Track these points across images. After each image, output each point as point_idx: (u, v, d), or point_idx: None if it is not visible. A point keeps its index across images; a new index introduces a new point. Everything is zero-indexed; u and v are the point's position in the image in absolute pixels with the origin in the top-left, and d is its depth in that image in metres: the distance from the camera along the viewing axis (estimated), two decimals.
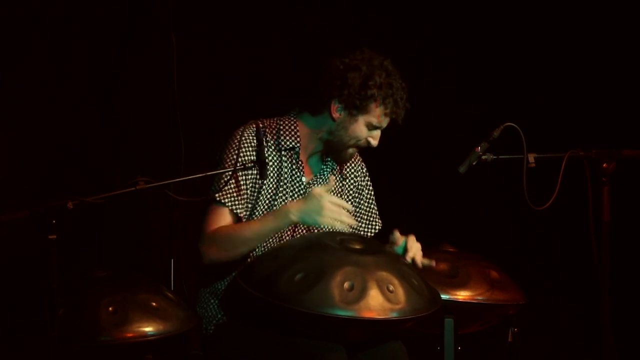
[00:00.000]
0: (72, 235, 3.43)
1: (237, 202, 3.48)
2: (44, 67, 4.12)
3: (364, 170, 3.76)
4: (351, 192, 3.71)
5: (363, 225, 3.76)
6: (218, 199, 3.47)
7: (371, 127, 3.52)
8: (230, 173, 3.43)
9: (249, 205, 3.51)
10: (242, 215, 3.49)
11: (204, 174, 3.43)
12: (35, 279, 3.71)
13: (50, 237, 2.95)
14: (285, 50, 4.73)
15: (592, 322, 3.79)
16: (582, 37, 4.89)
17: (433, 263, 3.53)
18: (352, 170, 3.72)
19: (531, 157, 3.57)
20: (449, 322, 3.81)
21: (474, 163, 3.58)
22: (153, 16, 4.32)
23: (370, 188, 3.77)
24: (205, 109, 4.52)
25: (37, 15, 4.07)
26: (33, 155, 4.08)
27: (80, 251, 4.08)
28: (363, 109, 3.49)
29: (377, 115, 3.50)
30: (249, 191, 3.51)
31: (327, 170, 3.64)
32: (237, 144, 3.49)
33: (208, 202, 3.50)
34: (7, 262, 3.97)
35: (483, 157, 3.58)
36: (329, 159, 3.64)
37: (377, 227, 3.78)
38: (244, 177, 3.49)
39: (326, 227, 3.40)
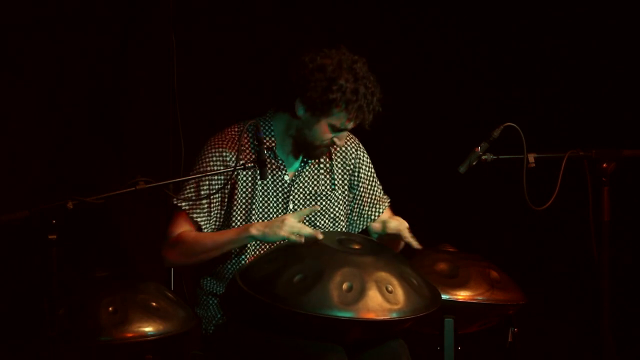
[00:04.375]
0: (72, 235, 3.43)
1: (194, 207, 3.47)
2: (44, 67, 4.12)
3: (358, 152, 3.69)
4: (344, 175, 3.68)
5: (367, 208, 3.71)
6: (177, 203, 3.47)
7: (335, 129, 3.48)
8: (195, 179, 3.45)
9: (212, 213, 3.50)
10: (199, 221, 3.48)
11: (204, 174, 3.44)
12: (35, 279, 3.71)
13: (50, 237, 2.95)
14: (285, 51, 4.73)
15: (592, 322, 3.79)
16: (582, 37, 4.89)
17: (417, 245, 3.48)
18: (344, 154, 3.67)
19: (531, 157, 3.57)
20: (449, 322, 3.81)
21: (474, 163, 3.58)
22: (153, 16, 4.32)
23: (369, 166, 3.71)
24: (205, 109, 4.52)
25: (37, 15, 4.07)
26: (33, 155, 4.08)
27: (80, 251, 4.08)
28: (325, 112, 3.44)
29: (340, 119, 3.45)
30: (213, 197, 3.49)
31: (309, 164, 3.61)
32: (215, 150, 3.48)
33: (171, 207, 3.50)
34: (7, 262, 3.97)
35: (483, 157, 3.58)
36: None
37: (383, 208, 3.72)
38: (207, 184, 3.48)
39: (285, 240, 3.34)
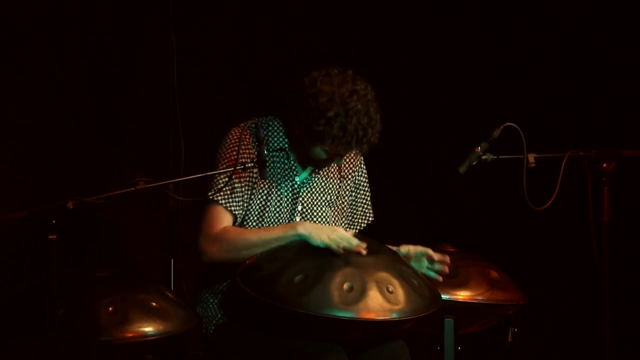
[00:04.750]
0: (72, 235, 3.43)
1: (231, 200, 3.48)
2: (44, 67, 4.12)
3: (362, 165, 3.74)
4: (349, 186, 3.71)
5: (357, 217, 3.75)
6: (212, 197, 3.47)
7: (329, 153, 3.47)
8: (226, 172, 3.43)
9: (245, 204, 3.51)
10: (237, 213, 3.49)
11: (204, 174, 3.44)
12: (35, 279, 3.71)
13: (50, 237, 2.95)
14: (286, 51, 4.73)
15: (592, 322, 3.79)
16: (582, 37, 4.89)
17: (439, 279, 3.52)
18: (350, 165, 3.71)
19: (531, 157, 3.57)
20: (449, 322, 3.81)
21: (474, 163, 3.58)
22: (153, 16, 4.32)
23: (367, 181, 3.75)
24: (205, 109, 4.52)
25: (37, 15, 4.07)
26: (33, 155, 4.08)
27: (80, 251, 4.08)
28: (315, 140, 3.43)
29: (329, 147, 3.43)
30: (244, 189, 3.50)
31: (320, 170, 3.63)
32: (236, 143, 3.49)
33: (205, 202, 3.49)
34: (7, 262, 3.97)
35: (483, 157, 3.58)
36: None
37: (369, 220, 3.77)
38: (238, 176, 3.48)
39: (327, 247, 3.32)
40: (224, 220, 3.48)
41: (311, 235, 3.33)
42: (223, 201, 3.47)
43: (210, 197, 3.47)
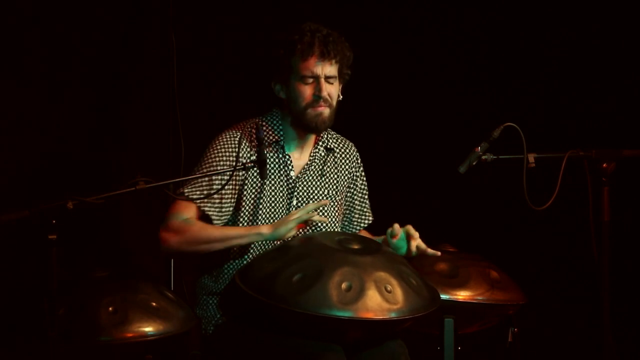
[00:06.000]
0: (72, 235, 3.43)
1: (207, 202, 3.47)
2: (44, 66, 4.12)
3: (358, 161, 3.75)
4: (345, 182, 3.70)
5: (356, 216, 3.76)
6: (187, 194, 3.46)
7: (306, 79, 3.47)
8: (206, 174, 3.44)
9: (223, 207, 3.50)
10: (212, 215, 3.48)
11: (204, 174, 3.44)
12: (35, 279, 3.71)
13: (50, 237, 2.95)
14: None
15: (592, 322, 3.79)
16: (582, 37, 4.89)
17: (438, 253, 3.53)
18: (346, 161, 3.71)
19: (531, 157, 3.57)
20: (449, 322, 3.81)
21: (474, 163, 3.58)
22: (153, 16, 4.32)
23: (364, 180, 3.77)
24: (205, 109, 4.52)
25: (37, 15, 4.08)
26: (33, 155, 4.08)
27: (80, 251, 4.08)
28: (287, 70, 3.47)
29: (300, 66, 3.46)
30: (226, 192, 3.49)
31: (315, 163, 3.63)
32: (225, 146, 3.49)
33: (177, 196, 3.48)
34: (7, 262, 3.97)
35: (483, 157, 3.58)
36: (316, 152, 3.62)
37: (368, 220, 3.78)
38: (219, 178, 3.47)
39: (293, 234, 3.40)
40: (191, 214, 3.47)
41: (272, 232, 3.39)
42: (199, 201, 3.46)
43: (187, 194, 3.46)
